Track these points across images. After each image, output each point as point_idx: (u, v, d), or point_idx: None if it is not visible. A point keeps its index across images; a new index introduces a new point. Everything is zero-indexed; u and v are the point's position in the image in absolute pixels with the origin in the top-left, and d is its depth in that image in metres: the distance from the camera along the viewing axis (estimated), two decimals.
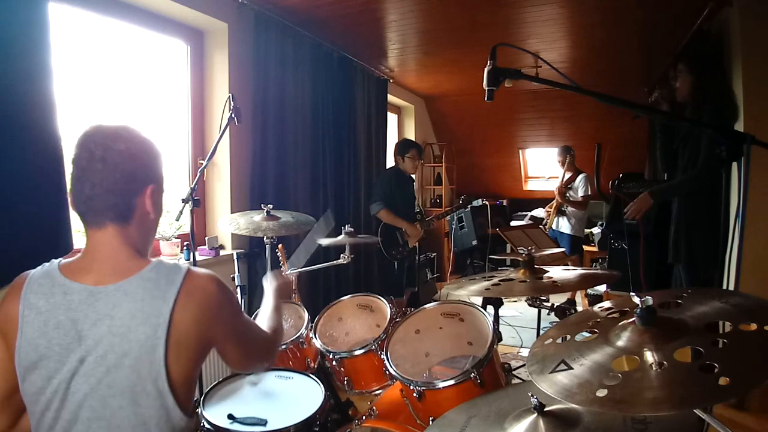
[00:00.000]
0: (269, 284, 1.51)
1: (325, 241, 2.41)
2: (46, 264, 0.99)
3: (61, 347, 0.90)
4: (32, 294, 0.94)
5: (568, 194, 4.68)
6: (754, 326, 0.78)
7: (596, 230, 5.42)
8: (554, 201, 4.77)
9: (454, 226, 6.01)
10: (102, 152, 0.92)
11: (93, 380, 0.89)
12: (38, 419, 0.93)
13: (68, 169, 0.98)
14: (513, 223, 5.98)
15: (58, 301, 0.92)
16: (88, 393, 0.89)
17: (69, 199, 0.99)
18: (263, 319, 1.31)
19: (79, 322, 0.90)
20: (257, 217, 2.38)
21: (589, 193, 4.57)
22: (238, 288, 2.17)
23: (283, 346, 1.96)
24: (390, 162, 4.74)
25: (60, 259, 1.00)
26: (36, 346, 0.91)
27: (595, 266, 5.20)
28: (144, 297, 0.91)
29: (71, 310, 0.91)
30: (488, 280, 1.58)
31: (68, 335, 0.90)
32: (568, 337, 0.98)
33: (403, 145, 3.96)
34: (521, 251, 1.66)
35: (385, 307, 1.98)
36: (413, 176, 4.10)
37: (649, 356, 0.80)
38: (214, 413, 1.49)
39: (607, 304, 1.08)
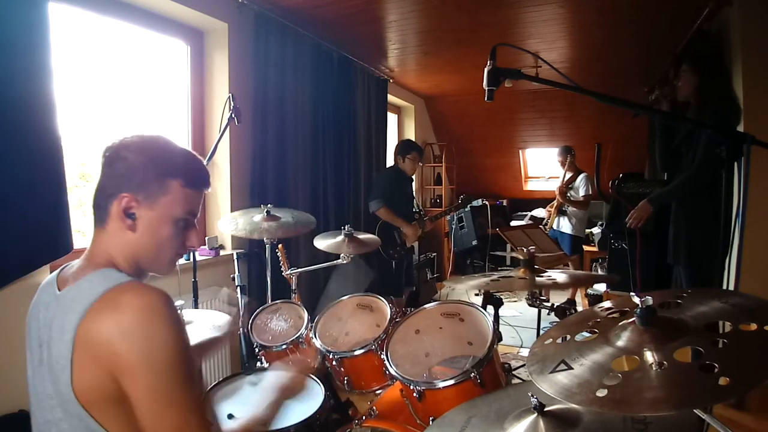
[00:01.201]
0: (276, 377, 1.26)
1: (322, 245, 2.42)
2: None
3: (37, 342, 0.92)
4: (41, 291, 0.99)
5: (568, 194, 4.68)
6: (754, 326, 0.78)
7: (596, 230, 5.42)
8: (555, 201, 4.78)
9: (454, 226, 6.02)
10: (111, 155, 0.95)
11: (42, 386, 0.89)
12: (32, 414, 0.95)
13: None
14: (513, 223, 5.98)
15: (45, 299, 0.94)
16: (45, 396, 0.88)
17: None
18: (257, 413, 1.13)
19: (45, 325, 0.90)
20: (257, 217, 2.39)
21: (590, 192, 4.58)
22: (238, 288, 2.17)
23: (283, 346, 1.96)
24: (390, 162, 4.74)
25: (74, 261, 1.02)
26: (30, 338, 0.95)
27: (595, 266, 5.20)
28: (67, 310, 0.85)
29: (47, 311, 0.91)
30: (488, 277, 1.57)
31: (40, 333, 0.91)
32: (568, 337, 0.98)
33: (405, 146, 3.97)
34: (522, 250, 1.66)
35: (385, 307, 1.98)
36: (413, 176, 4.11)
37: (649, 356, 0.80)
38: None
39: (607, 304, 1.08)
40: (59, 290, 0.91)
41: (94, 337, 0.81)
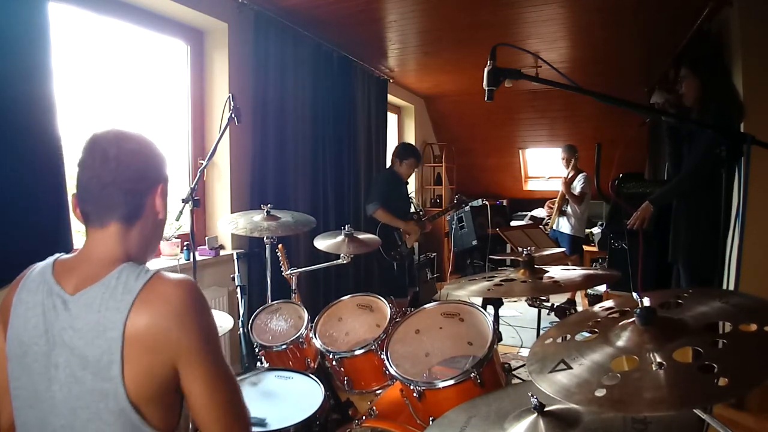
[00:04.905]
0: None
1: (322, 245, 2.42)
2: (50, 258, 0.98)
3: (38, 347, 0.89)
4: (26, 288, 0.93)
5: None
6: (754, 326, 0.78)
7: (596, 230, 5.42)
8: (556, 199, 4.77)
9: (454, 226, 6.01)
10: (116, 151, 0.93)
11: (65, 389, 0.87)
12: (23, 416, 0.92)
13: (72, 171, 0.97)
14: (513, 223, 5.98)
15: (39, 300, 0.91)
16: (63, 401, 0.87)
17: (73, 202, 0.96)
18: None
19: (52, 327, 0.88)
20: (257, 217, 2.39)
21: (587, 191, 4.57)
22: (238, 288, 2.17)
23: (283, 346, 1.96)
24: (389, 162, 4.74)
25: (61, 254, 0.99)
26: (20, 342, 0.90)
27: (595, 266, 5.20)
28: (101, 308, 0.86)
29: (47, 312, 0.89)
30: (489, 280, 1.58)
31: (42, 337, 0.88)
32: (568, 336, 0.98)
33: (404, 151, 3.96)
34: (522, 251, 1.66)
35: (385, 307, 1.98)
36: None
37: (649, 356, 0.80)
38: None
39: (607, 303, 1.08)
40: (68, 293, 0.89)
41: (149, 330, 0.85)
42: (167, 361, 0.87)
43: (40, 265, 0.97)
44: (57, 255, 0.98)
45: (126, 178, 0.93)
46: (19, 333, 0.91)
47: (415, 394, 1.47)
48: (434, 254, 5.63)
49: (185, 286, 0.89)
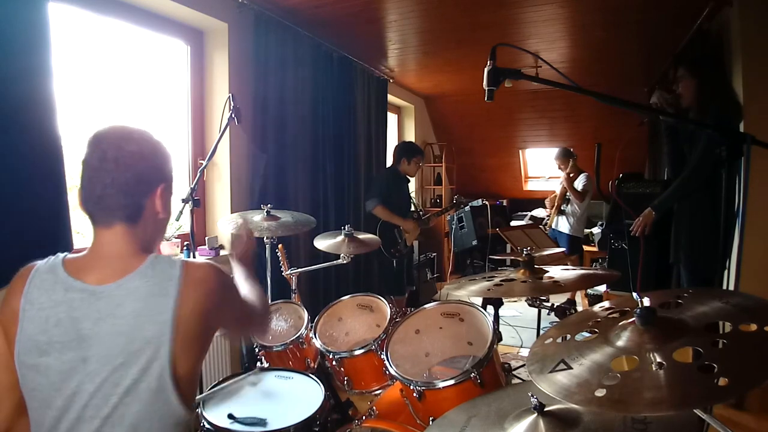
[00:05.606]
0: (231, 255, 1.48)
1: (322, 245, 2.42)
2: (52, 257, 0.98)
3: (61, 345, 0.90)
4: (35, 289, 0.93)
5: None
6: (754, 326, 0.78)
7: (596, 230, 5.41)
8: (554, 195, 4.76)
9: (454, 226, 6.01)
10: (115, 153, 0.94)
11: (98, 379, 0.89)
12: (39, 416, 0.92)
13: (75, 169, 0.98)
14: (513, 223, 5.98)
15: (59, 298, 0.91)
16: (92, 392, 0.89)
17: (78, 199, 0.99)
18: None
19: (80, 322, 0.90)
20: (257, 217, 2.39)
21: (589, 189, 4.57)
22: None
23: (283, 346, 1.96)
24: (390, 162, 4.74)
25: (66, 253, 1.00)
26: (36, 342, 0.90)
27: (595, 266, 5.19)
28: (146, 295, 0.91)
29: (72, 308, 0.90)
30: (489, 280, 1.58)
31: (68, 334, 0.90)
32: (568, 336, 0.98)
33: (412, 150, 3.96)
34: (522, 251, 1.66)
35: (385, 307, 1.98)
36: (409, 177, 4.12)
37: (649, 356, 0.80)
38: (214, 413, 1.49)
39: (607, 303, 1.08)
40: (90, 285, 0.92)
41: (196, 309, 0.94)
42: (211, 332, 1.01)
43: (41, 266, 0.97)
44: (62, 255, 0.99)
45: (123, 180, 0.94)
46: (34, 334, 0.91)
47: (415, 394, 1.47)
48: (434, 254, 5.63)
49: (214, 268, 1.01)
